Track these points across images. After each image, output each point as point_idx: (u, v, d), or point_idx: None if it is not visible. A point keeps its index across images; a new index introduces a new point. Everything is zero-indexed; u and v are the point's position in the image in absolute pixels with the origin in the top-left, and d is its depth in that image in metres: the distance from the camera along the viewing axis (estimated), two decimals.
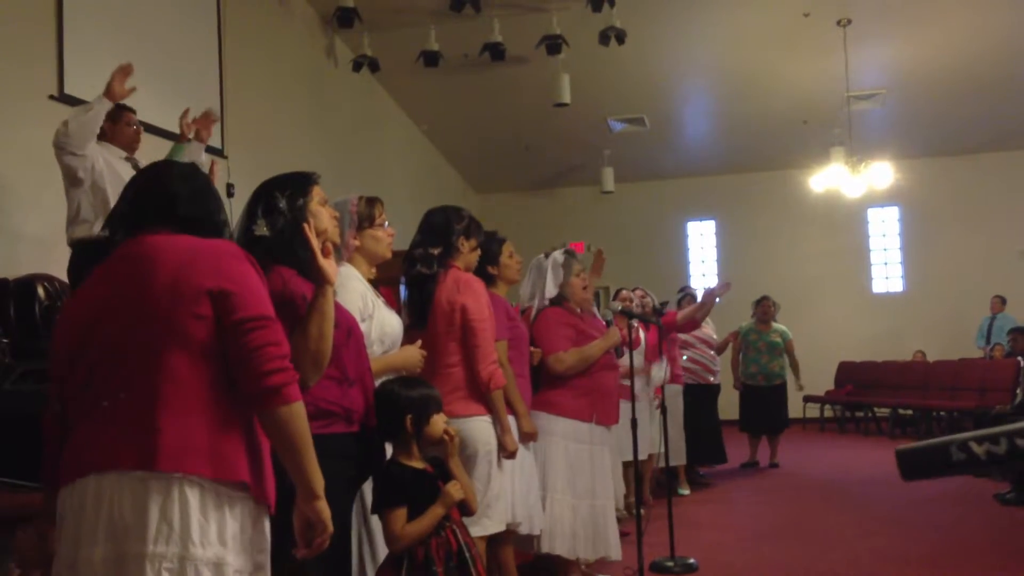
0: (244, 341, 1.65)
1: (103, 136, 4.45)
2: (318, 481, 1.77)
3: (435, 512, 2.51)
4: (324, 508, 1.79)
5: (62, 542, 1.64)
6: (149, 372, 1.64)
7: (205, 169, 5.20)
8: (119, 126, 4.49)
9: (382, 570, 2.55)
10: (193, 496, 1.60)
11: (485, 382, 3.17)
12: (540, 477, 3.93)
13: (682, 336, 7.08)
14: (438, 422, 2.60)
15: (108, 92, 4.18)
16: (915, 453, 0.91)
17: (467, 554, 2.57)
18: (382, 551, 2.65)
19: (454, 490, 2.56)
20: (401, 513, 2.47)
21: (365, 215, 2.88)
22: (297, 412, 1.70)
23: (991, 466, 0.86)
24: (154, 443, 1.59)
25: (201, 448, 1.62)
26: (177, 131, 4.81)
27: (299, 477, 1.75)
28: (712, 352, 7.62)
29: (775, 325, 8.57)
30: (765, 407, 8.37)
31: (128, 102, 4.47)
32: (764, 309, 8.54)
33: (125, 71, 4.21)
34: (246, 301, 1.67)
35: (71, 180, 4.26)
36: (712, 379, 7.55)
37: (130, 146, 4.54)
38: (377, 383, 2.62)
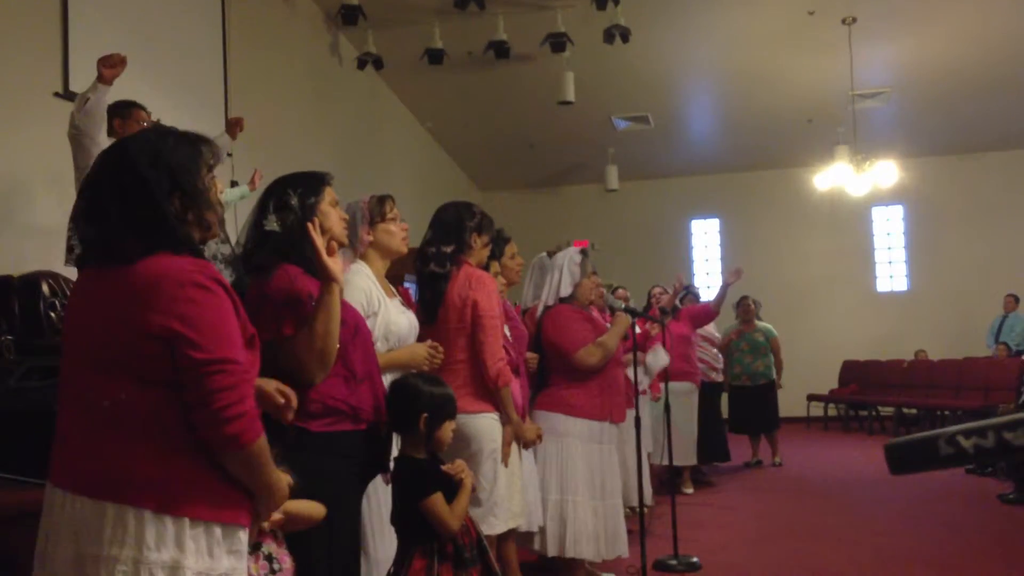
0: (197, 387, 1.60)
1: (113, 133, 4.45)
2: (280, 490, 1.77)
3: (467, 494, 2.58)
4: (279, 482, 1.78)
5: (38, 535, 1.68)
6: (99, 395, 1.63)
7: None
8: (129, 123, 4.45)
9: (403, 556, 2.53)
10: (148, 510, 1.61)
11: (493, 379, 3.14)
12: (557, 480, 3.92)
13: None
14: (447, 429, 2.62)
15: (100, 77, 4.13)
16: (903, 447, 0.91)
17: (483, 542, 2.66)
18: (387, 548, 2.65)
19: (467, 476, 2.61)
20: (440, 497, 2.50)
21: (376, 211, 2.92)
22: (256, 452, 1.66)
23: (979, 460, 0.86)
24: (98, 472, 1.60)
25: (144, 481, 1.60)
26: (179, 128, 4.81)
27: (259, 492, 1.74)
28: (715, 351, 7.64)
29: (759, 324, 8.49)
30: (752, 407, 8.30)
31: (133, 98, 4.47)
32: (744, 309, 8.49)
33: (105, 59, 4.13)
34: (199, 342, 1.61)
35: (84, 169, 4.27)
36: (716, 376, 7.56)
37: None
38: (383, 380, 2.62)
